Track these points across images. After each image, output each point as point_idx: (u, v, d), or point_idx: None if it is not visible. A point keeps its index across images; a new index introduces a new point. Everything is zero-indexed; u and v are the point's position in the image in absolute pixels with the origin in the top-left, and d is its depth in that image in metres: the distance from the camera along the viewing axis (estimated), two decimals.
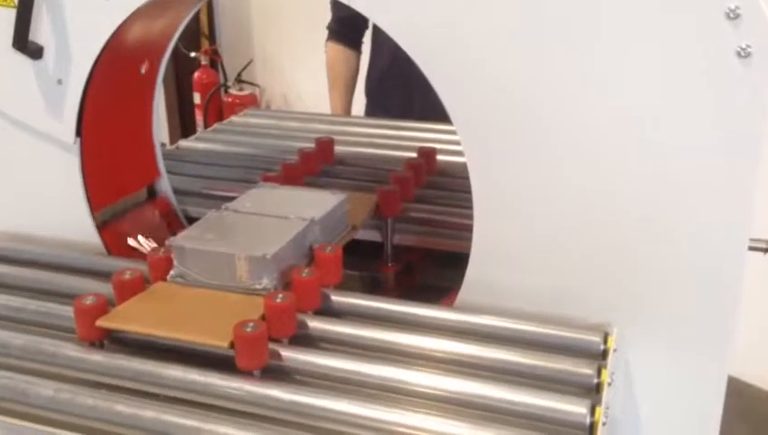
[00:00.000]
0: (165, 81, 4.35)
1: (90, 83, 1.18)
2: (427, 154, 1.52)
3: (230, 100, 3.98)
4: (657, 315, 1.02)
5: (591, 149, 0.97)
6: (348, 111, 2.25)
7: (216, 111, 3.96)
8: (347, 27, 2.26)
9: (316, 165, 1.53)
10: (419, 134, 1.78)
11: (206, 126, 3.49)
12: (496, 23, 0.96)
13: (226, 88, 4.06)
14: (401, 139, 1.78)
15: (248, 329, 0.91)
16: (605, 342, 0.98)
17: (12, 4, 1.14)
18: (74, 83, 1.18)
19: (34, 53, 1.17)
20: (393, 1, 0.99)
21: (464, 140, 1.02)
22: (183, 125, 4.20)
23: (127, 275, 1.05)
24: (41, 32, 1.16)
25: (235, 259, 1.04)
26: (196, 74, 4.10)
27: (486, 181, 1.03)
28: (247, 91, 4.04)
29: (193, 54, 4.06)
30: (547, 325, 0.99)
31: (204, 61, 4.11)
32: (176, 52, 4.22)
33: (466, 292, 1.08)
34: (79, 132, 1.21)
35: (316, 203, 1.21)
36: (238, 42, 4.22)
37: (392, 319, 1.05)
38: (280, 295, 0.98)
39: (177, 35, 1.35)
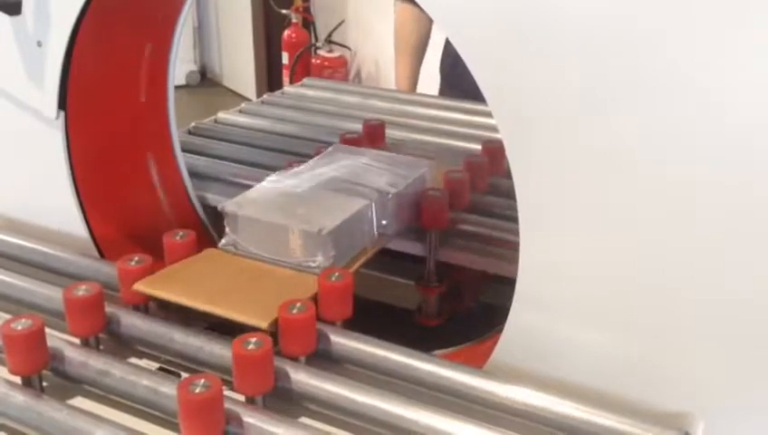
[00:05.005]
0: (254, 39, 4.22)
1: (75, 47, 0.98)
2: (493, 151, 1.24)
3: (318, 62, 3.77)
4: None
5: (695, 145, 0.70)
6: (414, 82, 1.98)
7: (304, 74, 3.75)
8: None
9: None
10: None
11: None
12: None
13: (316, 49, 3.85)
14: (474, 126, 1.51)
15: (197, 389, 0.70)
16: None
17: None
18: (55, 46, 0.97)
19: (10, 6, 0.97)
20: None
21: (501, 123, 0.77)
22: (270, 87, 4.03)
23: (80, 292, 0.85)
24: None
25: (288, 232, 0.93)
26: (285, 33, 3.90)
27: (536, 190, 0.77)
28: (337, 53, 3.82)
29: (284, 11, 3.87)
30: (600, 412, 0.73)
31: (295, 19, 3.91)
32: (266, 8, 4.07)
33: (504, 349, 0.83)
34: (63, 106, 1.01)
35: (397, 170, 1.08)
36: (332, 0, 3.99)
37: (403, 376, 0.81)
38: (253, 341, 0.76)
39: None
